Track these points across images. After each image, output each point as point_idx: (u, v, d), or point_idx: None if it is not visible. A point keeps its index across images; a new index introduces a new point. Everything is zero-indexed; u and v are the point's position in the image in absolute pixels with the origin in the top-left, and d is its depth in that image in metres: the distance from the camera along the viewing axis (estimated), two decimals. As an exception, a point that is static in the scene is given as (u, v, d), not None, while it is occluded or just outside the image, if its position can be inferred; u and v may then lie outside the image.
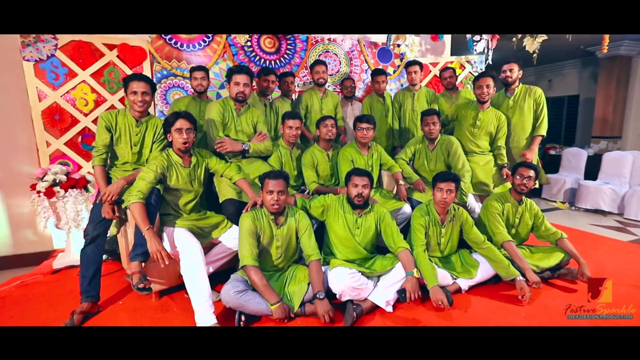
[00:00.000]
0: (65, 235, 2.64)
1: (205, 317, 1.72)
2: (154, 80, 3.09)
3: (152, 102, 3.06)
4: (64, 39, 2.72)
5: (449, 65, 3.97)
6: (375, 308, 1.95)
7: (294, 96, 3.32)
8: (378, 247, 2.29)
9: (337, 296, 1.90)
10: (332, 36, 3.70)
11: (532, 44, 3.35)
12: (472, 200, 2.75)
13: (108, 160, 2.11)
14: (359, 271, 1.97)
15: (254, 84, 2.66)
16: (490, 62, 3.81)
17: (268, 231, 1.96)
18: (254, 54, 3.43)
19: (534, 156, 2.85)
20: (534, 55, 3.43)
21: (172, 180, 1.99)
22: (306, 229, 2.02)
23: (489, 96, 2.76)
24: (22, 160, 2.85)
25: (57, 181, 2.43)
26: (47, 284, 2.31)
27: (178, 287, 2.12)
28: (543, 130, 2.84)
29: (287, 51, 3.57)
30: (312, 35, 3.62)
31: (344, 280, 1.86)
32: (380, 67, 3.91)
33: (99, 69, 2.87)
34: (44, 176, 2.43)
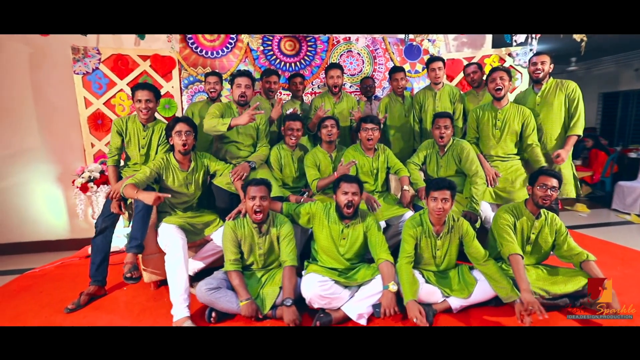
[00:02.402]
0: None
1: (179, 309, 1.84)
2: (182, 86, 3.36)
3: (180, 106, 3.35)
4: (106, 53, 3.12)
5: (486, 59, 3.64)
6: (349, 319, 1.88)
7: (306, 98, 3.33)
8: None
9: (307, 303, 1.88)
10: (348, 36, 3.61)
11: (579, 31, 2.85)
12: (487, 210, 2.48)
13: (121, 161, 2.38)
14: (334, 280, 1.92)
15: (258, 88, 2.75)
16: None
17: (250, 239, 2.02)
18: (274, 57, 3.52)
19: (567, 156, 2.47)
20: (582, 44, 2.93)
21: (168, 182, 2.15)
22: (286, 236, 2.03)
23: (504, 89, 2.47)
24: (76, 158, 3.33)
25: (92, 178, 2.80)
26: (79, 266, 2.68)
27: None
28: (579, 129, 2.45)
29: (308, 53, 3.59)
30: (334, 35, 3.58)
31: (313, 288, 1.83)
32: (406, 64, 3.71)
33: (135, 78, 3.22)
34: (82, 173, 2.82)
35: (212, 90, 2.84)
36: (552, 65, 2.50)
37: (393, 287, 1.81)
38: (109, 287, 2.28)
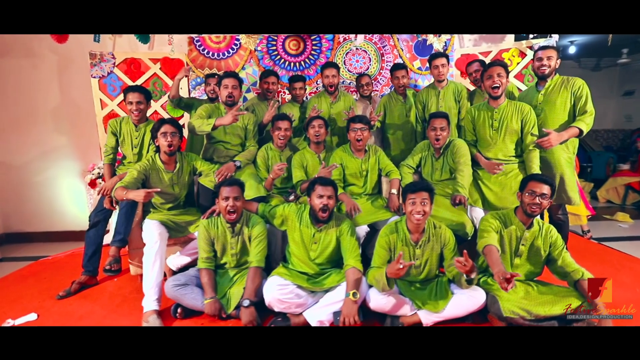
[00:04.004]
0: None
1: (148, 302, 1.92)
2: (190, 87, 3.49)
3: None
4: (120, 57, 3.33)
5: (504, 53, 3.36)
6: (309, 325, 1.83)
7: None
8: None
9: (267, 306, 1.86)
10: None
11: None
12: (480, 216, 2.28)
13: (117, 160, 2.52)
14: (297, 285, 1.88)
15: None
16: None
17: (223, 239, 2.04)
18: (278, 57, 3.53)
19: (557, 142, 2.18)
20: (610, 35, 2.58)
21: (155, 183, 2.20)
22: (257, 236, 2.02)
23: (502, 87, 2.25)
24: (96, 156, 3.60)
25: (101, 174, 3.01)
26: (86, 256, 2.89)
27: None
28: (583, 124, 2.18)
29: (313, 52, 3.55)
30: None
31: (272, 292, 1.81)
32: (417, 60, 3.53)
33: (146, 80, 3.39)
34: (93, 170, 3.04)
35: (212, 91, 2.91)
36: (559, 61, 2.26)
37: (354, 296, 1.74)
38: (103, 277, 2.43)
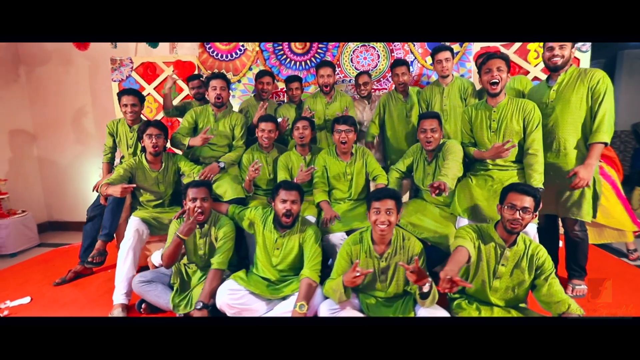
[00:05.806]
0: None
1: (117, 295, 2.02)
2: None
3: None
4: (137, 61, 3.55)
5: (529, 44, 2.97)
6: (261, 333, 1.78)
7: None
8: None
9: (218, 309, 1.84)
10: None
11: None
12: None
13: (115, 159, 2.69)
14: (250, 290, 1.83)
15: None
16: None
17: (192, 239, 2.06)
18: (284, 56, 3.50)
19: (590, 175, 1.85)
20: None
21: (139, 182, 2.31)
22: (222, 238, 2.01)
23: (501, 83, 1.97)
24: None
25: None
26: (96, 247, 3.14)
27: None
28: (603, 134, 1.82)
29: (319, 50, 3.46)
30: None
31: (222, 296, 1.79)
32: (429, 56, 3.26)
33: (160, 82, 3.58)
34: (106, 167, 3.28)
35: (197, 93, 2.98)
36: (573, 51, 1.91)
37: (301, 308, 1.65)
38: (99, 267, 2.61)
